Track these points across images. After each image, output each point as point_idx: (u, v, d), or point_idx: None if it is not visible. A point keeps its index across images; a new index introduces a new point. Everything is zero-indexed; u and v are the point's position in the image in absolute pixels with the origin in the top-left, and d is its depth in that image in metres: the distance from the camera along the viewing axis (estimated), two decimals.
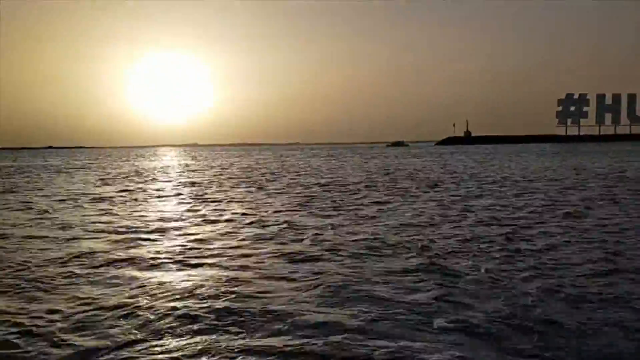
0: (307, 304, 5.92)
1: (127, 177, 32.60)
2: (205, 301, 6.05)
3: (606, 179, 22.96)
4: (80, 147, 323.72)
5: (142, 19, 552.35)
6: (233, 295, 6.24)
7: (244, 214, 13.74)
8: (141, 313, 5.69)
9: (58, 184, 26.36)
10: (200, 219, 12.87)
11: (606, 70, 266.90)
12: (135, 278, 7.17)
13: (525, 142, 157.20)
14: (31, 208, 15.84)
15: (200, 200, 17.41)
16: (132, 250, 9.06)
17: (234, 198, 18.02)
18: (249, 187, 22.61)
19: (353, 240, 9.61)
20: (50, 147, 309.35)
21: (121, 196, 19.46)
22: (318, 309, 5.73)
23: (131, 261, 8.19)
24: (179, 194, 19.98)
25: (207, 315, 5.56)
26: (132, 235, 10.56)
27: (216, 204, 16.39)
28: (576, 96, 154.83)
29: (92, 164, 59.33)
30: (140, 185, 25.02)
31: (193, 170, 40.11)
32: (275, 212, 14.01)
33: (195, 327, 5.26)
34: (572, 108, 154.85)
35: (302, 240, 9.79)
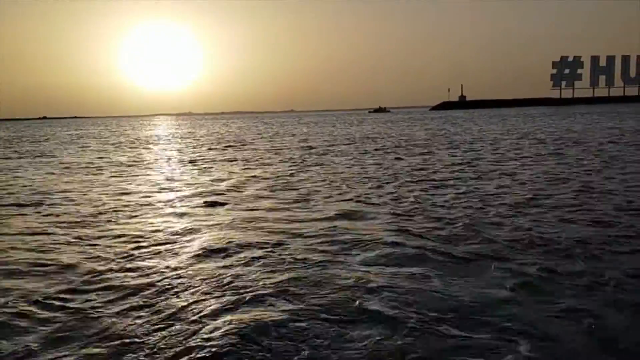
0: None
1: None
2: None
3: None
4: (74, 117, 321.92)
5: None
6: None
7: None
8: None
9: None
10: None
11: (602, 32, 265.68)
12: None
13: (520, 105, 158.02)
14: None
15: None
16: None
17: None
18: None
19: None
20: (44, 117, 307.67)
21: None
22: None
23: None
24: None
25: None
26: None
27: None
28: (570, 59, 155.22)
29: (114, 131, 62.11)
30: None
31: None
32: None
33: None
34: (567, 71, 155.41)
35: None
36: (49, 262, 6.34)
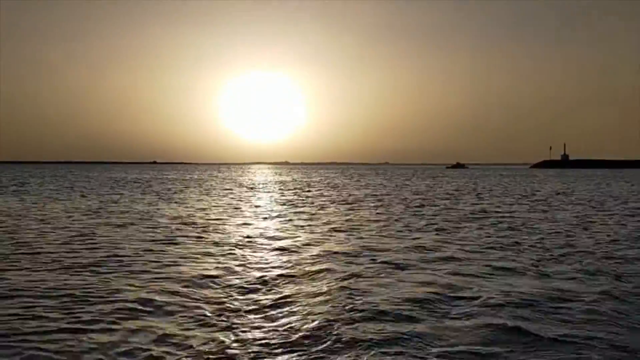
0: None
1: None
2: None
3: None
4: (181, 163, 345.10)
5: (237, 42, 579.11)
6: None
7: None
8: None
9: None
10: None
11: None
12: None
13: (629, 167, 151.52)
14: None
15: None
16: None
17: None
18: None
19: None
20: (154, 162, 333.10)
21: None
22: None
23: None
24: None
25: None
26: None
27: None
28: None
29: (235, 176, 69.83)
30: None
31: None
32: None
33: None
34: None
35: None
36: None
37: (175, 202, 25.50)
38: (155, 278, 8.46)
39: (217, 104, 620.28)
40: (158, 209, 21.84)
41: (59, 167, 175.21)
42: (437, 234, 14.31)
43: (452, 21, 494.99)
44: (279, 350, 5.43)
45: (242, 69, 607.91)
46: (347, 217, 18.82)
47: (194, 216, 18.81)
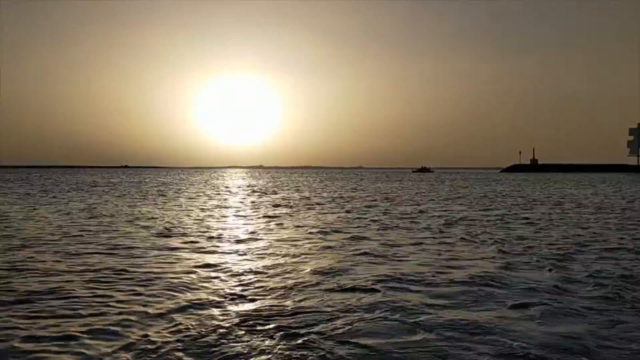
0: None
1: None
2: None
3: None
4: (154, 167, 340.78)
5: (213, 44, 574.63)
6: None
7: None
8: None
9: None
10: None
11: None
12: None
13: (594, 170, 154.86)
14: None
15: None
16: None
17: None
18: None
19: None
20: (126, 166, 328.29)
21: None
22: None
23: None
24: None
25: None
26: None
27: None
28: None
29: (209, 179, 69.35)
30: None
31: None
32: None
33: None
34: None
35: None
36: None
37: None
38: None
39: (192, 107, 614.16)
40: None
41: (24, 170, 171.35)
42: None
43: (424, 27, 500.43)
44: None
45: (218, 72, 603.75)
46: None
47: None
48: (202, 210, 22.52)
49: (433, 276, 8.75)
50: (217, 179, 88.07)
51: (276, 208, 23.88)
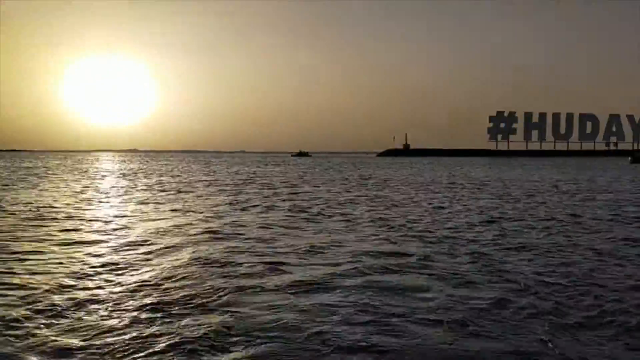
0: None
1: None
2: None
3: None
4: (15, 150, 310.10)
5: (85, 21, 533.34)
6: None
7: None
8: None
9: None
10: None
11: (534, 90, 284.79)
12: None
13: (460, 155, 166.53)
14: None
15: None
16: None
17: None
18: None
19: None
20: None
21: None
22: None
23: None
24: None
25: None
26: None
27: None
28: (506, 114, 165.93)
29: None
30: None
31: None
32: None
33: None
34: (502, 125, 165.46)
35: None
36: None
37: None
38: None
39: (62, 86, 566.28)
40: None
41: None
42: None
43: (306, 15, 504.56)
44: None
45: (91, 51, 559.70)
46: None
47: None
48: (68, 196, 21.34)
49: None
50: (87, 162, 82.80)
51: (145, 192, 23.79)
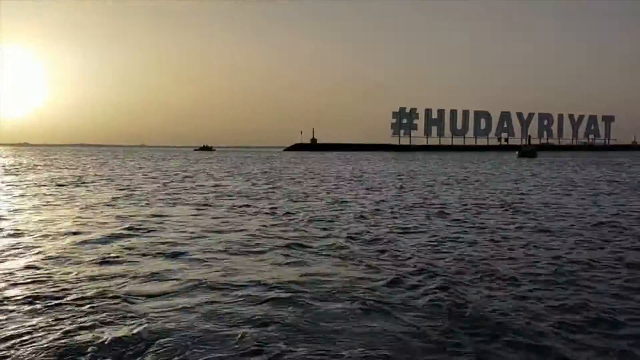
0: None
1: None
2: None
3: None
4: None
5: None
6: None
7: None
8: None
9: None
10: None
11: (436, 88, 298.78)
12: None
13: (366, 149, 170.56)
14: None
15: None
16: None
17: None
18: None
19: None
20: None
21: None
22: None
23: None
24: None
25: None
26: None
27: None
28: (407, 110, 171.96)
29: None
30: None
31: None
32: None
33: None
34: (404, 120, 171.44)
35: None
36: None
37: None
38: None
39: None
40: None
41: None
42: None
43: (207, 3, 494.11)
44: None
45: None
46: None
47: None
48: None
49: None
50: None
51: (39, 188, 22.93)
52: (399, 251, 9.32)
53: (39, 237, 10.61)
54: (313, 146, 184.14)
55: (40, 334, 5.14)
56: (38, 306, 6.08)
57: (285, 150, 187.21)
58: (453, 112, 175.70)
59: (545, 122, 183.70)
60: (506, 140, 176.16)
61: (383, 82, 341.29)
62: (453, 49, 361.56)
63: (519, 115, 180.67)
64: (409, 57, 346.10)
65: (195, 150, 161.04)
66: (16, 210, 15.03)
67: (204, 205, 16.74)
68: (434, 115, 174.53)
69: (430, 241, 10.43)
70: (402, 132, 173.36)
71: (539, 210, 15.79)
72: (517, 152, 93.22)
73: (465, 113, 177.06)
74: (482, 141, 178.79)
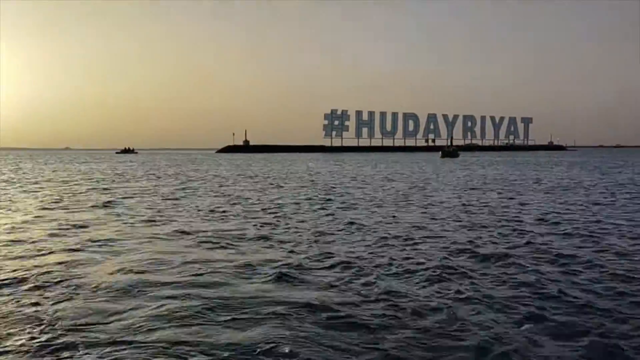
0: None
1: None
2: None
3: None
4: None
5: None
6: None
7: None
8: None
9: None
10: None
11: (365, 90, 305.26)
12: None
13: (298, 151, 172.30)
14: None
15: None
16: None
17: None
18: None
19: None
20: None
21: None
22: None
23: None
24: None
25: None
26: None
27: None
28: (339, 112, 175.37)
29: None
30: None
31: None
32: None
33: None
34: (336, 122, 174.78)
35: None
36: None
37: None
38: None
39: None
40: None
41: None
42: None
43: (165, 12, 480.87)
44: None
45: None
46: None
47: None
48: None
49: None
50: None
51: None
52: None
53: None
54: (246, 148, 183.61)
55: None
56: None
57: (217, 152, 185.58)
58: (383, 114, 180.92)
59: (469, 124, 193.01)
60: (433, 141, 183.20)
61: (314, 84, 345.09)
62: (388, 54, 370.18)
63: (445, 117, 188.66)
64: (340, 58, 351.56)
65: (117, 153, 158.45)
66: None
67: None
68: (365, 117, 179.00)
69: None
70: (334, 133, 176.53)
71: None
72: (440, 153, 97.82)
73: (395, 115, 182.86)
74: (410, 142, 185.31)
